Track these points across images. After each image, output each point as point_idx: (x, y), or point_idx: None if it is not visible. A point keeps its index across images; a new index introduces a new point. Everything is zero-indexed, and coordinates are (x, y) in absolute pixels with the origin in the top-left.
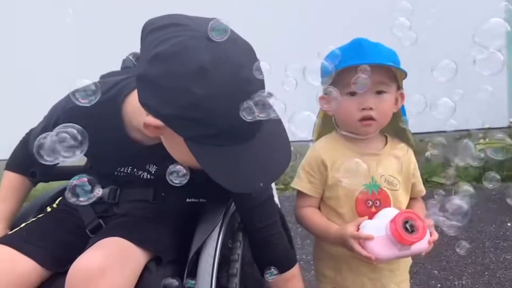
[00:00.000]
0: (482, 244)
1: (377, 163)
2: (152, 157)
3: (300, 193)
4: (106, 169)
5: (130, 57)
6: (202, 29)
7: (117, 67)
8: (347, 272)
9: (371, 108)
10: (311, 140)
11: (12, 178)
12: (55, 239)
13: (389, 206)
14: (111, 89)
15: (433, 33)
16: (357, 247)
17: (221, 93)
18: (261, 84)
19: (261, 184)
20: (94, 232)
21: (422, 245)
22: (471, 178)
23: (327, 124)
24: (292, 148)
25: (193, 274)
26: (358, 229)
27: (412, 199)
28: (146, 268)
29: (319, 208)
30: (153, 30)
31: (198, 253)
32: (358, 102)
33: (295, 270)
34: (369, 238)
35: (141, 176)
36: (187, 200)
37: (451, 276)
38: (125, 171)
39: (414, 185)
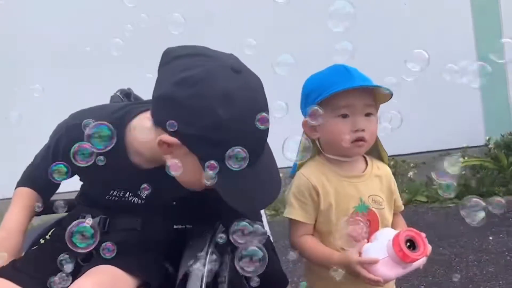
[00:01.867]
0: (465, 258)
1: (363, 185)
2: (146, 182)
3: (294, 222)
4: (99, 192)
5: (118, 93)
6: (227, 61)
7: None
8: None
9: (363, 130)
10: (290, 167)
11: (23, 191)
12: (48, 269)
13: (378, 225)
14: (118, 111)
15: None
16: (364, 272)
17: (241, 118)
18: (267, 113)
19: (265, 205)
20: (85, 261)
21: (422, 261)
22: None
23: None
24: (281, 174)
25: None
26: (360, 254)
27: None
28: None
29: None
30: (178, 57)
31: (186, 276)
32: (351, 124)
33: None
34: (375, 262)
35: (132, 201)
36: (174, 226)
37: None
38: (117, 195)
39: (395, 200)
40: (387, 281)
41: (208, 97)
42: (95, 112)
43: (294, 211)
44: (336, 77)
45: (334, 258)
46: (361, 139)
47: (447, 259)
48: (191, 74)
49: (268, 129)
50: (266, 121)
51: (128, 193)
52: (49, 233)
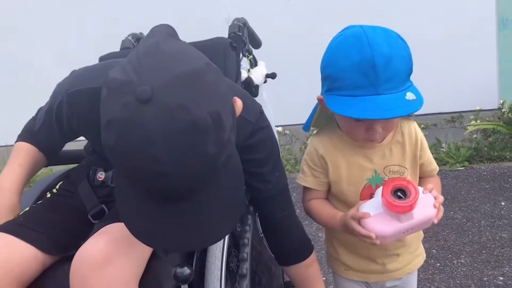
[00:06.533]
0: (478, 223)
1: (380, 155)
2: None
3: (306, 188)
4: None
5: (130, 38)
6: (143, 85)
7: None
8: (360, 256)
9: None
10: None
11: (24, 147)
12: (54, 224)
13: None
14: None
15: (423, 16)
16: (357, 227)
17: (122, 149)
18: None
19: (164, 249)
20: (96, 218)
21: (428, 212)
22: (463, 158)
23: (326, 113)
24: (287, 132)
25: (202, 260)
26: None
27: (425, 177)
28: (154, 255)
29: (327, 198)
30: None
31: None
32: (365, 126)
33: (313, 256)
34: (365, 216)
35: None
36: None
37: (450, 255)
38: None
39: (422, 165)
40: (383, 239)
41: (101, 116)
42: (95, 77)
43: (306, 178)
44: (357, 78)
45: (337, 218)
46: (373, 139)
47: (459, 223)
48: (102, 92)
49: (166, 177)
50: (155, 174)
51: None
52: (57, 187)
